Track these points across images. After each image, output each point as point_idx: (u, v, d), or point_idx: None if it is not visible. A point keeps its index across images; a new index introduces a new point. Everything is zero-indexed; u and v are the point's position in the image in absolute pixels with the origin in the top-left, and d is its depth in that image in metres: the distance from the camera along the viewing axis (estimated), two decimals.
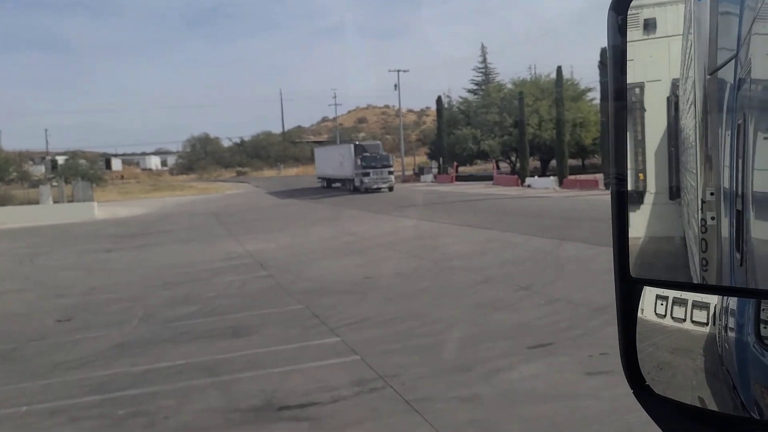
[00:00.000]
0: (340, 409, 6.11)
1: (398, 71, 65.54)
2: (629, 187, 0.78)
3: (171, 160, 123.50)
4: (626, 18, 0.77)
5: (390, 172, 46.77)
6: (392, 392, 6.41)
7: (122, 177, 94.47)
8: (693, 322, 0.76)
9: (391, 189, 45.65)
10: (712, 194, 0.71)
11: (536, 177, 46.47)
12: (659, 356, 0.82)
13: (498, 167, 55.26)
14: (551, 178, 44.06)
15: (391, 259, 15.81)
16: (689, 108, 0.72)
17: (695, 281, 0.74)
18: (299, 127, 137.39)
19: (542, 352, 7.45)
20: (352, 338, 8.54)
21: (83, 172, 54.20)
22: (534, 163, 55.48)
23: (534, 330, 8.41)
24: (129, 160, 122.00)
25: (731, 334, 0.72)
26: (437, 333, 8.65)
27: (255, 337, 9.08)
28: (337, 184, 51.46)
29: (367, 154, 46.25)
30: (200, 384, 7.20)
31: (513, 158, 55.46)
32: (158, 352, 8.59)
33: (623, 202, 0.82)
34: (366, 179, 45.39)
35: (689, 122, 0.72)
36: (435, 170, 60.66)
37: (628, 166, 0.77)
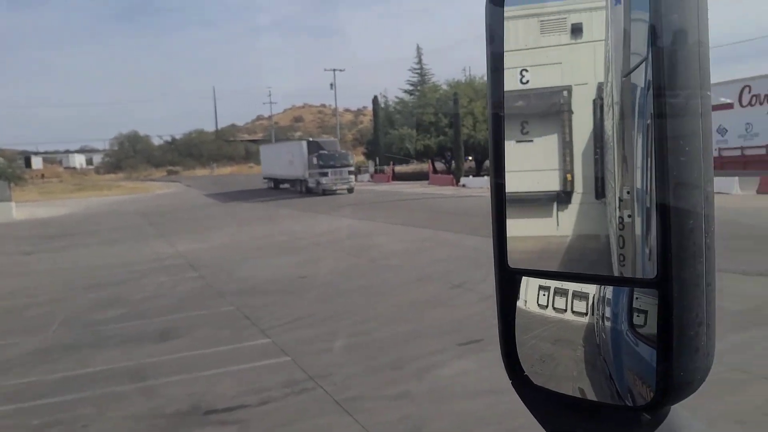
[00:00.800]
0: (268, 412, 6.00)
1: (334, 70, 65.52)
2: (558, 187, 0.80)
3: (97, 159, 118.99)
4: (503, 11, 0.80)
5: (350, 172, 42.93)
6: (322, 393, 6.35)
7: (43, 176, 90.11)
8: (573, 312, 0.77)
9: (350, 191, 41.87)
10: (628, 193, 0.74)
11: (471, 177, 47.33)
12: (542, 348, 0.82)
13: (434, 167, 55.94)
14: (485, 177, 44.97)
15: (326, 258, 15.71)
16: (609, 111, 0.75)
17: (615, 275, 0.75)
18: (233, 125, 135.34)
19: (473, 348, 7.56)
20: (284, 339, 8.42)
21: (0, 170, 51.26)
22: (469, 163, 56.51)
23: (466, 327, 8.52)
24: (51, 158, 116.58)
25: (608, 324, 0.74)
26: (370, 331, 8.64)
27: (183, 340, 8.81)
28: (286, 185, 47.96)
29: (325, 152, 42.28)
30: (124, 390, 6.91)
31: (448, 158, 56.30)
32: (80, 357, 8.21)
33: (501, 193, 0.84)
34: (324, 180, 41.33)
35: (609, 124, 0.75)
36: (372, 170, 60.86)
37: (559, 166, 0.79)
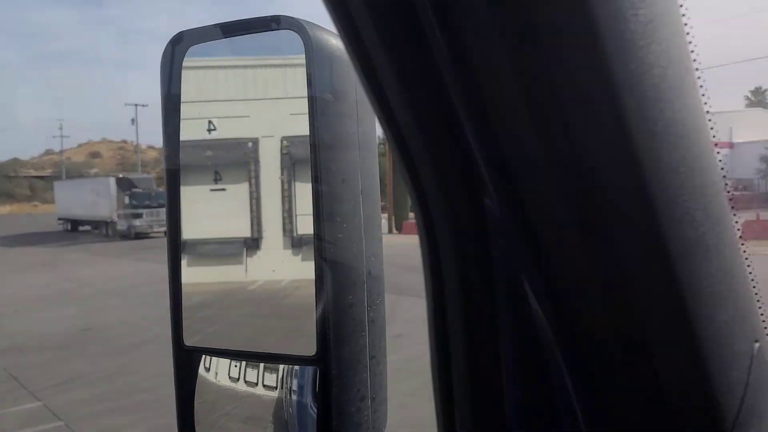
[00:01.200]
0: None
1: (136, 105, 62.19)
2: (253, 235, 0.78)
3: None
4: (181, 66, 0.79)
5: None
6: None
7: None
8: (265, 386, 0.75)
9: None
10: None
11: None
12: (232, 428, 0.79)
13: None
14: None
15: (117, 307, 14.51)
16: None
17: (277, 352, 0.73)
18: (16, 159, 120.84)
19: None
20: (58, 401, 7.56)
21: None
22: None
23: None
24: None
25: (294, 397, 0.73)
26: (158, 387, 8.06)
27: None
28: (87, 227, 42.49)
29: (138, 191, 37.63)
30: None
31: None
32: None
33: (177, 269, 0.82)
34: (137, 222, 36.28)
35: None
36: None
37: (251, 213, 0.78)
